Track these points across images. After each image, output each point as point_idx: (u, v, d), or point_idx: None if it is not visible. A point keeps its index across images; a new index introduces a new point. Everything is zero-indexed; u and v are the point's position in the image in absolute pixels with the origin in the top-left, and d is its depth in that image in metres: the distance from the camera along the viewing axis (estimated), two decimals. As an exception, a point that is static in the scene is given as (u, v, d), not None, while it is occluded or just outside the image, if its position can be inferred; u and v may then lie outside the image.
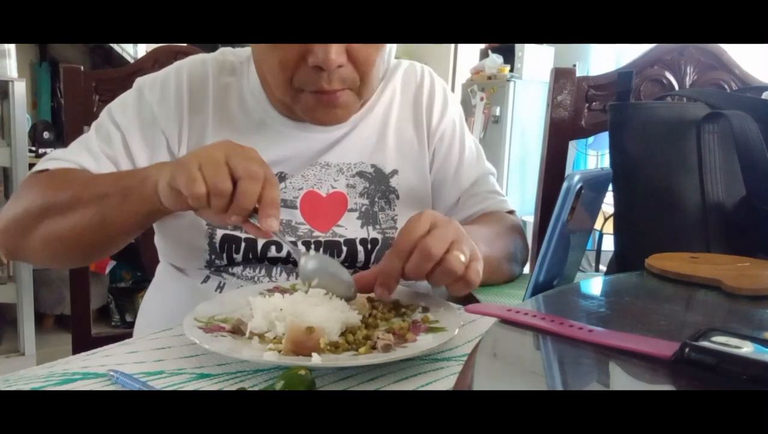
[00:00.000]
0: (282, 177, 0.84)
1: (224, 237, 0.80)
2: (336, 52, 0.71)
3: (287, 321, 0.57)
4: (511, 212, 0.96)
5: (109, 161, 0.80)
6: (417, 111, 0.92)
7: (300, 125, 0.84)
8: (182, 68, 0.85)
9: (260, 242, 0.81)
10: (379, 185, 0.87)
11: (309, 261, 0.67)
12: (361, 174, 0.86)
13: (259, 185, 0.61)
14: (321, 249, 0.82)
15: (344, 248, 0.83)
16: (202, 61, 0.87)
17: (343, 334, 0.59)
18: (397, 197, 0.87)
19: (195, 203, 0.61)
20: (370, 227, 0.85)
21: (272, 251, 0.81)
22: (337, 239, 0.83)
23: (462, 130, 0.95)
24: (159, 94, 0.83)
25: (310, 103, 0.77)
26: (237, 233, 0.81)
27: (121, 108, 0.84)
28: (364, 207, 0.86)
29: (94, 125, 0.84)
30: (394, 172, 0.88)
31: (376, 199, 0.86)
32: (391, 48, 0.79)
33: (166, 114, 0.83)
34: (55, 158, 0.80)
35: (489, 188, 0.95)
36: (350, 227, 0.84)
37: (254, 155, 0.64)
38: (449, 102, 0.95)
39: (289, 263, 0.83)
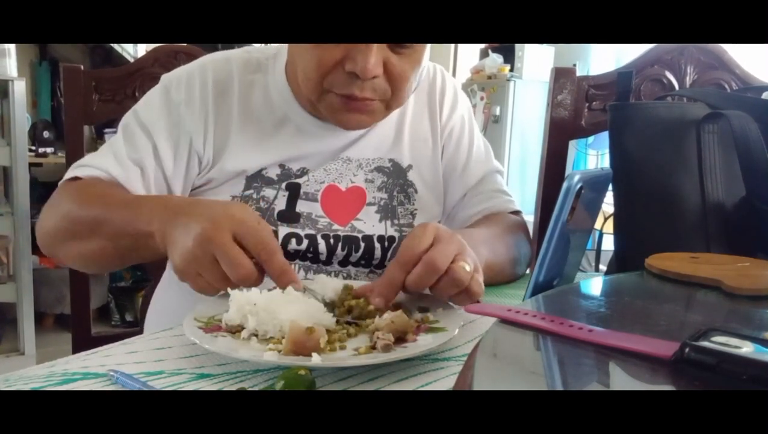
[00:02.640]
0: (304, 172, 0.85)
1: None
2: (374, 63, 0.71)
3: (289, 323, 0.57)
4: (517, 212, 0.96)
5: (136, 166, 0.80)
6: (431, 108, 0.94)
7: (323, 123, 0.85)
8: (207, 66, 0.85)
9: (281, 235, 0.81)
10: (396, 179, 0.89)
11: None
12: (379, 169, 0.88)
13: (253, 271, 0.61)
14: (340, 244, 0.83)
15: (362, 244, 0.85)
16: (227, 59, 0.86)
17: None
18: (416, 191, 0.89)
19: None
20: (388, 222, 0.86)
21: (293, 244, 0.82)
22: (355, 234, 0.85)
23: (471, 127, 0.97)
24: (185, 94, 0.83)
25: (336, 104, 0.77)
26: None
27: (147, 109, 0.84)
28: (382, 201, 0.87)
29: (120, 126, 0.84)
30: (410, 167, 0.90)
31: (395, 193, 0.88)
32: (426, 66, 0.79)
33: (191, 114, 0.83)
34: (85, 165, 0.81)
35: (495, 186, 0.95)
36: (369, 221, 0.86)
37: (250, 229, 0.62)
38: (459, 99, 0.97)
39: (307, 259, 0.83)
